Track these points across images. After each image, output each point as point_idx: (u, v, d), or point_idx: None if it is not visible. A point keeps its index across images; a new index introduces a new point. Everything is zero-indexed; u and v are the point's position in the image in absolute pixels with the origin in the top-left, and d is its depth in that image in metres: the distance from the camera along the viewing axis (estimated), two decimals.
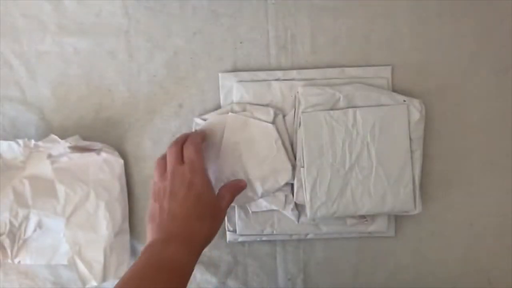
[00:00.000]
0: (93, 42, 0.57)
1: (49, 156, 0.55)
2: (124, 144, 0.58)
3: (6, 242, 0.55)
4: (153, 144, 0.58)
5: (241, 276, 0.60)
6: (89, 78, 0.58)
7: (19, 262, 0.56)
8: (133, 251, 0.58)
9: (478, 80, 0.57)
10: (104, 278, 0.55)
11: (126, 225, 0.57)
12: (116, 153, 0.57)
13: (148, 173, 0.58)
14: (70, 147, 0.54)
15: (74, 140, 0.55)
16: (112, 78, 0.58)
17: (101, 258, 0.55)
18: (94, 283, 0.55)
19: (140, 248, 0.58)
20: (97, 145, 0.55)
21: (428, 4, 0.56)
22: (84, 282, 0.55)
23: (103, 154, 0.56)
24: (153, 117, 0.58)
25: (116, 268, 0.56)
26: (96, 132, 0.58)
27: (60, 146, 0.55)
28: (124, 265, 0.56)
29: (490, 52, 0.57)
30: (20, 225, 0.56)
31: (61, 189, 0.55)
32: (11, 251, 0.56)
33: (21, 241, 0.56)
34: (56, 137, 0.55)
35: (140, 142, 0.58)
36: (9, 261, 0.56)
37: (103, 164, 0.56)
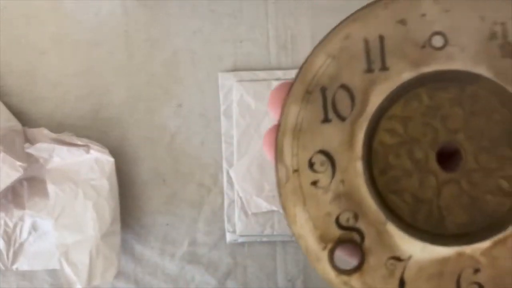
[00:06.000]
0: (92, 42, 0.57)
1: (43, 158, 0.54)
2: (123, 144, 0.58)
3: (1, 244, 0.55)
4: (153, 144, 0.58)
5: (241, 277, 0.59)
6: (88, 78, 0.57)
7: (17, 268, 0.55)
8: (132, 251, 0.58)
9: None
10: (89, 282, 0.52)
11: (116, 226, 0.54)
12: (106, 151, 0.54)
13: (147, 174, 0.58)
14: (52, 139, 0.53)
15: (64, 136, 0.54)
16: (111, 78, 0.57)
17: (86, 260, 0.51)
18: (79, 286, 0.52)
19: (140, 248, 0.58)
20: (83, 140, 0.54)
21: None
22: (68, 285, 0.52)
23: (94, 153, 0.54)
24: (152, 117, 0.58)
25: (103, 272, 0.52)
26: (96, 132, 0.57)
27: (45, 137, 0.53)
28: (112, 269, 0.52)
29: None
30: (15, 226, 0.55)
31: (51, 189, 0.53)
32: (7, 254, 0.55)
33: (17, 245, 0.55)
34: (43, 128, 0.53)
35: (139, 142, 0.58)
36: (3, 267, 0.55)
37: (94, 164, 0.54)
